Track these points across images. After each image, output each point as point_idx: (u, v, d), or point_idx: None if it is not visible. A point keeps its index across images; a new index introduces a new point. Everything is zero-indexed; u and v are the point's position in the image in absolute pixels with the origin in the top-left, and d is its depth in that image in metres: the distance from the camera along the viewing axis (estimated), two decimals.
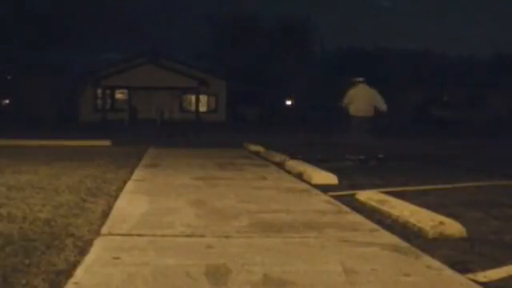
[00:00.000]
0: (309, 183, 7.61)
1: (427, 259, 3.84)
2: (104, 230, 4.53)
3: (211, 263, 3.60)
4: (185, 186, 7.17)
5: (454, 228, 4.70)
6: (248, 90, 38.95)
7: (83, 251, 3.88)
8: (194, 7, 79.01)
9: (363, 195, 6.34)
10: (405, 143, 16.90)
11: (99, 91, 34.33)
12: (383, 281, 3.36)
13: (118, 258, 3.68)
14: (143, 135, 19.82)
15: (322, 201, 6.17)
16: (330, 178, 7.89)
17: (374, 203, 5.89)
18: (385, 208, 5.59)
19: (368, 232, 4.64)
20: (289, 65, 40.92)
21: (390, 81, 34.53)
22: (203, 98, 35.52)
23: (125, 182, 7.28)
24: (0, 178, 7.56)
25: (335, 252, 3.99)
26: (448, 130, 27.60)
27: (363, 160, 10.70)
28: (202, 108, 35.18)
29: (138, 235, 4.37)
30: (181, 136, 20.27)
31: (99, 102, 34.59)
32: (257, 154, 12.50)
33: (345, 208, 5.71)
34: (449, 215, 5.14)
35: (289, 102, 44.18)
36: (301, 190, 6.94)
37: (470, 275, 3.55)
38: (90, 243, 4.09)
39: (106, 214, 5.16)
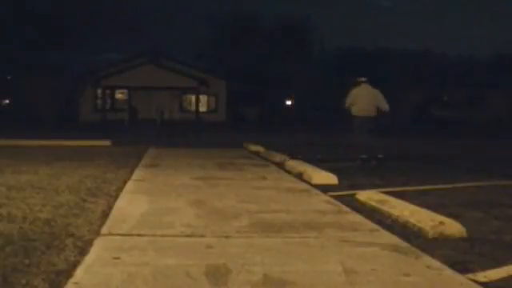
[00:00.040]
0: (309, 183, 7.61)
1: (427, 259, 3.84)
2: (104, 230, 4.53)
3: (211, 263, 3.60)
4: (185, 186, 7.17)
5: (454, 228, 4.71)
6: (248, 90, 38.93)
7: (83, 251, 3.88)
8: (193, 7, 79.15)
9: (363, 195, 6.34)
10: (405, 143, 16.88)
11: (99, 91, 34.31)
12: (383, 281, 3.36)
13: (117, 258, 3.69)
14: (143, 135, 19.81)
15: (321, 201, 6.18)
16: (330, 178, 7.89)
17: (374, 203, 5.89)
18: (385, 208, 5.59)
19: (368, 232, 4.64)
20: (289, 65, 40.90)
21: (390, 81, 34.50)
22: (203, 98, 35.50)
23: (125, 182, 7.28)
24: (0, 177, 7.56)
25: (335, 252, 3.99)
26: (448, 129, 27.59)
27: (365, 159, 10.70)
28: (202, 108, 35.16)
29: (138, 235, 4.37)
30: (181, 136, 20.25)
31: (99, 101, 34.56)
32: (257, 154, 12.50)
33: (345, 208, 5.71)
34: (449, 215, 5.14)
35: (289, 102, 44.20)
36: (301, 190, 6.94)
37: (470, 275, 3.56)
38: (90, 243, 4.09)
39: (106, 214, 5.16)
